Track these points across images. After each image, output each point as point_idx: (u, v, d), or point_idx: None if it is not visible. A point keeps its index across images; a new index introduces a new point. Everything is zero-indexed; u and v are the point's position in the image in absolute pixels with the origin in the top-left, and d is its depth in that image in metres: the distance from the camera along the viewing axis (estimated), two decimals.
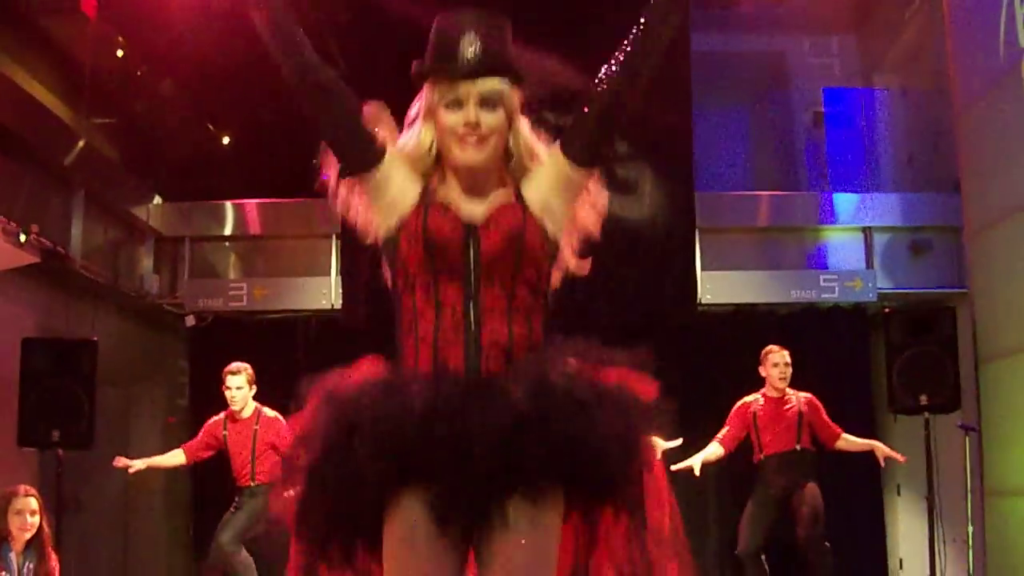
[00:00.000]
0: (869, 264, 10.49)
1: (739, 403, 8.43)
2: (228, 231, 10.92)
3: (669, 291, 10.43)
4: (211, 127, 11.82)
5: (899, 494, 10.98)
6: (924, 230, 10.47)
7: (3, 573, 6.21)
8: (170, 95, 11.10)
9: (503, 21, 2.89)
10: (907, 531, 10.69)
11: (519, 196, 2.89)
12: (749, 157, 11.87)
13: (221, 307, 10.45)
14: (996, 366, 8.51)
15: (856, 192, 10.88)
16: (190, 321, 10.52)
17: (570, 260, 2.96)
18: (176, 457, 8.16)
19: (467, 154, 2.80)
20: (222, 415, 8.24)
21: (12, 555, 6.30)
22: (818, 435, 8.48)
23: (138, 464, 8.18)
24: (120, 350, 10.03)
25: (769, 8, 11.81)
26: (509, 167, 2.92)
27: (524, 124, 2.93)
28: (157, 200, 10.77)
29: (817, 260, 10.72)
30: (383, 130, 2.94)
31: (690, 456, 8.13)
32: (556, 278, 2.95)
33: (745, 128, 11.92)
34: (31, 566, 6.35)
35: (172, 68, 10.75)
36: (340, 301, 10.45)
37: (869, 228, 10.59)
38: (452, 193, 2.88)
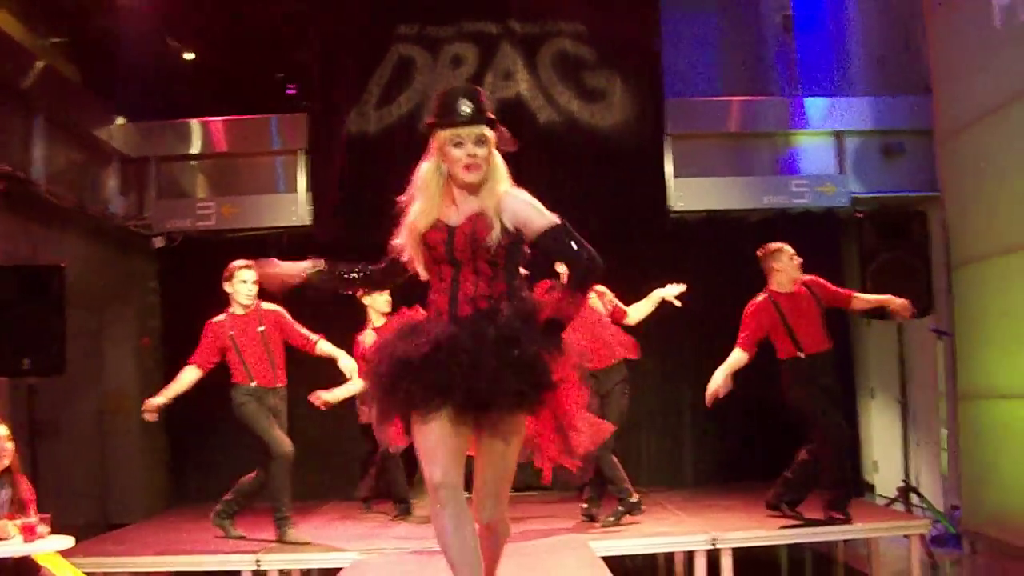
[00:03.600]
0: (841, 169, 10.46)
1: (753, 304, 7.86)
2: (194, 150, 10.78)
3: (640, 199, 10.39)
4: (173, 43, 11.63)
5: (873, 397, 11.07)
6: (896, 133, 10.40)
7: None
8: (129, 10, 10.85)
9: (482, 90, 4.42)
10: (881, 433, 10.79)
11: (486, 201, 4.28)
12: (718, 62, 11.72)
13: (190, 227, 10.37)
14: (968, 271, 8.55)
15: (827, 96, 10.80)
16: (159, 242, 10.45)
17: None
18: (190, 374, 7.92)
19: (470, 176, 4.22)
20: (223, 316, 8.01)
21: None
22: (834, 306, 8.01)
23: (161, 400, 7.98)
24: (89, 274, 9.93)
25: None
26: (482, 186, 4.29)
27: (497, 155, 4.32)
28: (120, 120, 10.61)
29: (788, 165, 10.68)
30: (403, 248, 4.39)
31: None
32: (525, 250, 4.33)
33: (714, 33, 11.76)
34: (7, 494, 6.29)
35: None
36: (310, 217, 10.37)
37: (840, 132, 10.54)
38: (450, 210, 4.29)
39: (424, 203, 4.31)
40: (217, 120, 10.73)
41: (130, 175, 10.70)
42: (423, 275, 4.38)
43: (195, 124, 10.72)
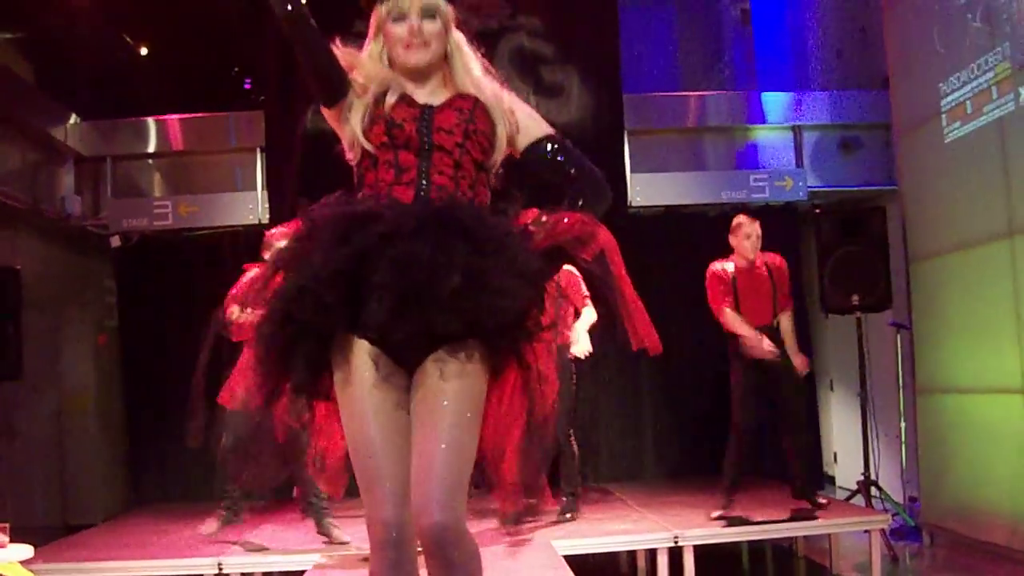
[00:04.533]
0: (799, 163, 10.47)
1: (710, 270, 8.03)
2: (150, 148, 10.66)
3: None
4: (127, 39, 11.52)
5: (832, 389, 11.14)
6: (854, 127, 10.45)
7: None
8: (82, 5, 10.73)
9: None
10: (841, 426, 10.86)
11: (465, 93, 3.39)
12: (676, 57, 11.76)
13: (146, 226, 10.25)
14: (926, 264, 8.60)
15: (785, 90, 10.83)
16: (115, 242, 10.33)
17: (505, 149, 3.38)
18: None
19: (413, 56, 3.33)
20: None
21: None
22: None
23: None
24: (45, 275, 9.84)
25: None
26: (451, 72, 3.43)
27: (460, 35, 3.46)
28: (74, 119, 10.49)
29: (747, 160, 10.69)
30: (345, 61, 3.36)
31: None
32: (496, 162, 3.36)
33: (672, 27, 11.80)
34: None
35: None
36: (268, 215, 10.30)
37: (799, 126, 10.55)
38: (407, 91, 3.34)
39: (375, 82, 3.34)
40: (173, 118, 10.62)
41: (85, 174, 10.58)
42: (350, 155, 3.38)
43: (151, 122, 10.61)
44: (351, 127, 3.31)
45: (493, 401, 3.14)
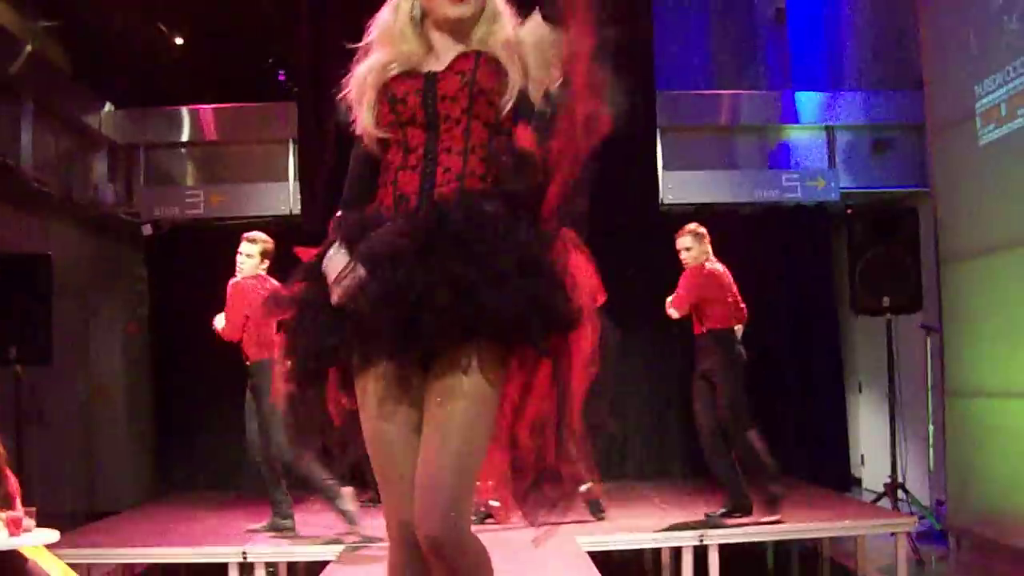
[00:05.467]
0: (831, 163, 10.43)
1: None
2: (183, 137, 10.73)
3: (631, 191, 10.34)
4: (163, 29, 11.56)
5: (861, 391, 11.09)
6: (886, 128, 10.40)
7: None
8: None
9: None
10: (868, 428, 10.82)
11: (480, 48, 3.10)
12: (710, 55, 11.71)
13: (178, 215, 10.31)
14: (958, 267, 8.56)
15: (818, 90, 10.78)
16: (147, 230, 10.38)
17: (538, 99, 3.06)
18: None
19: (458, 9, 3.03)
20: None
21: None
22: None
23: None
24: (77, 262, 9.91)
25: None
26: (482, 25, 3.11)
27: None
28: (109, 107, 10.55)
29: (779, 159, 10.65)
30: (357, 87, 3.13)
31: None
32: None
33: (706, 25, 11.73)
34: None
35: None
36: (299, 206, 10.33)
37: (831, 127, 10.51)
38: (428, 59, 3.10)
39: (389, 52, 3.12)
40: (206, 108, 10.68)
41: (118, 162, 10.65)
42: (374, 150, 3.11)
43: (184, 111, 10.67)
44: (361, 119, 3.11)
45: (522, 391, 2.99)
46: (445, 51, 3.09)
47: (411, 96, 3.00)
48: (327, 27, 10.48)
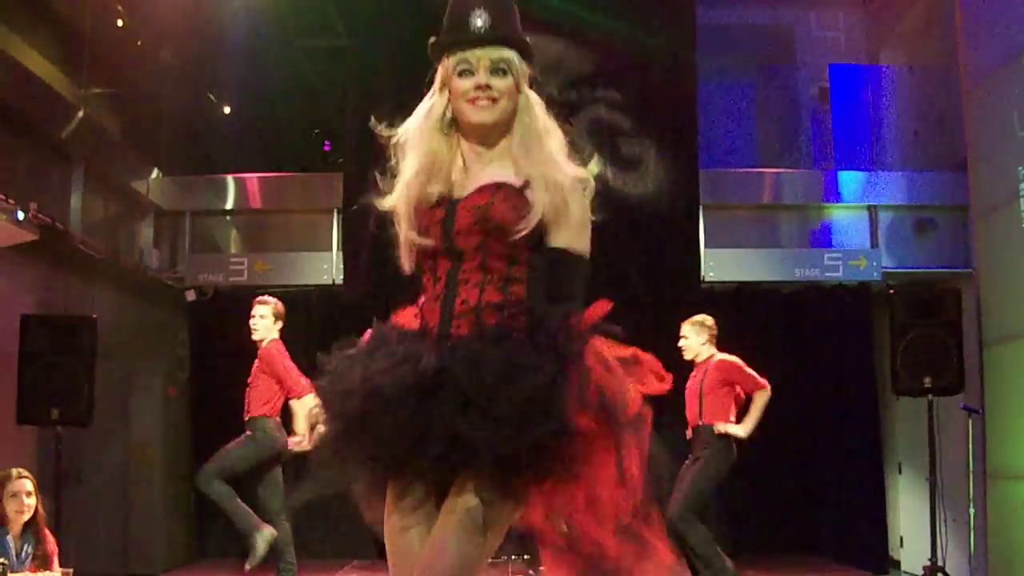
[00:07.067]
0: (873, 243, 10.42)
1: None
2: (229, 205, 10.86)
3: (672, 268, 10.37)
4: (211, 97, 11.74)
5: (900, 472, 10.97)
6: (929, 209, 10.40)
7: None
8: (170, 65, 11.01)
9: (510, 1, 3.10)
10: (908, 510, 10.69)
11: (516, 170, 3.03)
12: (753, 133, 11.78)
13: (222, 281, 10.40)
14: (1001, 349, 8.48)
15: (861, 170, 10.80)
16: (190, 296, 10.48)
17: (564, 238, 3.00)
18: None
19: (479, 114, 3.00)
20: None
21: (9, 539, 6.24)
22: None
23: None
24: (120, 325, 9.97)
25: None
26: (515, 140, 3.06)
27: (533, 95, 3.10)
28: (157, 173, 10.69)
29: (821, 238, 10.65)
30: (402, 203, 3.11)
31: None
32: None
33: (750, 104, 11.82)
34: (29, 549, 6.29)
35: (172, 37, 10.65)
36: (341, 276, 10.39)
37: (874, 206, 10.51)
38: (459, 177, 3.06)
39: (421, 160, 3.08)
40: (252, 176, 10.81)
41: (164, 228, 10.79)
42: (408, 268, 3.11)
43: (230, 179, 10.80)
44: (403, 235, 3.11)
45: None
46: (474, 170, 3.07)
47: (433, 227, 2.99)
48: (373, 98, 10.61)
